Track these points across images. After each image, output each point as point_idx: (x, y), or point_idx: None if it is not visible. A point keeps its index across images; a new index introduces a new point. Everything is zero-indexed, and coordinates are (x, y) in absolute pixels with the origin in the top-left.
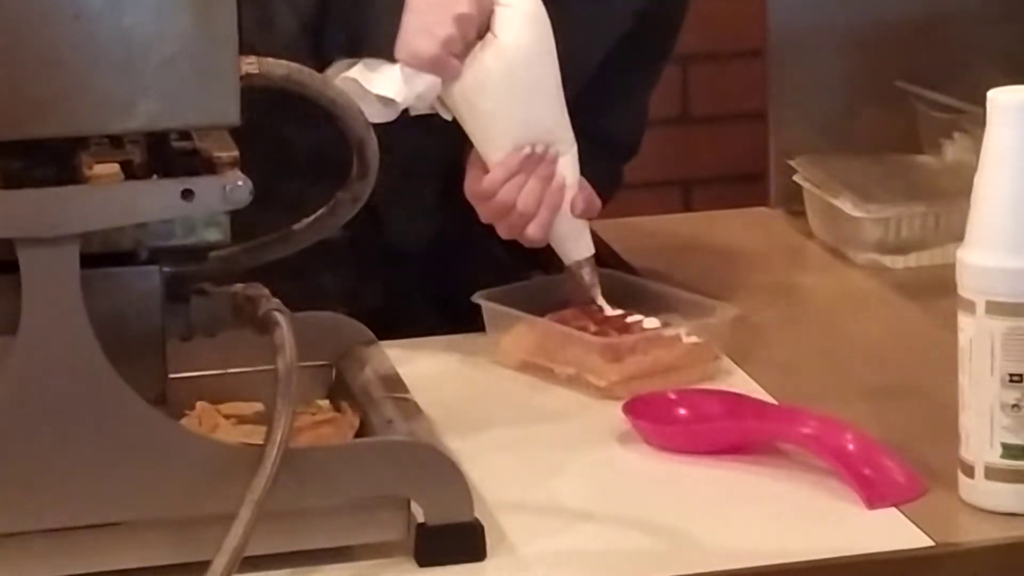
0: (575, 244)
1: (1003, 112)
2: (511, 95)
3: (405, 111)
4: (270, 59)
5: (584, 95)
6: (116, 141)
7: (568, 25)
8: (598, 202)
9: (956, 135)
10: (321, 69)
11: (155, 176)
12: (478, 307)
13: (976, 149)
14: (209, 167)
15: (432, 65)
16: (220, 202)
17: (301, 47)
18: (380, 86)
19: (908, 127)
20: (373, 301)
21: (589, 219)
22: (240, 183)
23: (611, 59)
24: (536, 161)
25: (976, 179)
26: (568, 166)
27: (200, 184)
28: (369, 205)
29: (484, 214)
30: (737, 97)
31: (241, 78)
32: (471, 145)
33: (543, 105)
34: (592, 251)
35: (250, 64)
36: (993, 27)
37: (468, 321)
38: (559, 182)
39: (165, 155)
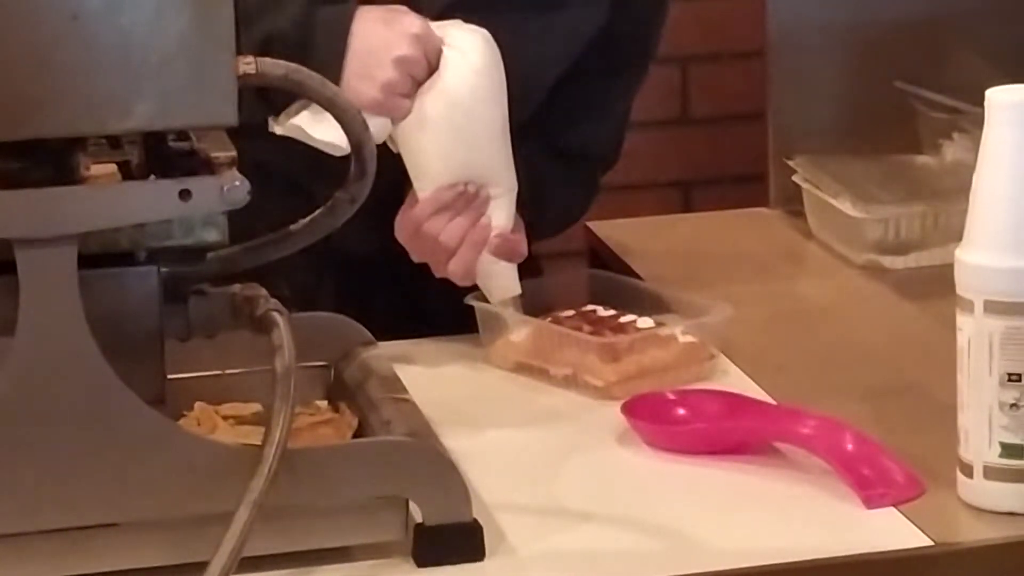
0: (497, 284)
1: (1001, 111)
2: (449, 137)
3: None
4: (267, 59)
5: (553, 107)
6: (114, 141)
7: (524, 40)
8: (521, 248)
9: (955, 135)
10: (270, 113)
11: (153, 177)
12: (439, 313)
13: (975, 149)
14: (207, 167)
15: (374, 109)
16: (218, 202)
17: (244, 94)
18: (325, 132)
19: (907, 127)
20: (326, 306)
21: (512, 262)
22: (238, 183)
23: (579, 70)
24: (467, 199)
25: (974, 178)
26: (500, 208)
27: (197, 184)
28: (314, 210)
29: (413, 251)
30: (737, 98)
31: (239, 78)
32: (408, 183)
33: (482, 149)
34: (517, 291)
35: (247, 64)
36: (992, 27)
37: (430, 325)
38: (484, 222)
39: (163, 155)
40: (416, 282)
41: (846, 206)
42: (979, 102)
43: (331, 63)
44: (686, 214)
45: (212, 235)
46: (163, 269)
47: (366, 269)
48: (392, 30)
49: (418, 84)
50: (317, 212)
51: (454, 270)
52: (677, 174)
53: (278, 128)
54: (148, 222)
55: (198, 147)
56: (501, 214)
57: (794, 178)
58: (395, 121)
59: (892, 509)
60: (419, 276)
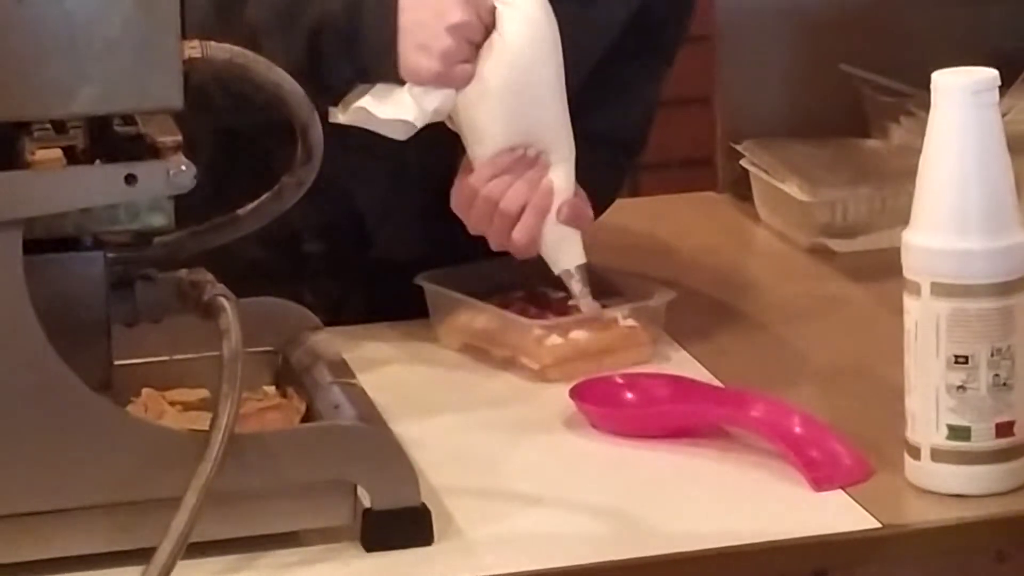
0: (563, 252)
1: (947, 94)
2: (509, 96)
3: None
4: (212, 43)
5: (581, 91)
6: (59, 126)
7: (564, 30)
8: (589, 212)
9: (902, 118)
10: (331, 103)
11: (98, 161)
12: None
13: (922, 132)
14: (153, 152)
15: (437, 80)
16: (164, 187)
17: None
18: (392, 111)
19: (855, 111)
20: (357, 313)
21: (580, 229)
22: (183, 168)
23: (608, 54)
24: (526, 164)
25: (920, 161)
26: (561, 174)
27: (143, 169)
28: (357, 217)
29: (470, 221)
30: (684, 82)
31: (184, 62)
32: (461, 152)
33: (541, 109)
34: (583, 260)
35: (193, 48)
36: (937, 10)
37: None
38: (547, 186)
39: (108, 140)
40: None
41: (793, 190)
42: (926, 85)
43: (384, 42)
44: (634, 198)
45: (158, 220)
46: (109, 254)
47: (404, 275)
48: None
49: (476, 47)
50: (264, 196)
51: (519, 238)
52: None
53: (341, 115)
54: (94, 207)
55: (144, 132)
56: (562, 179)
57: (742, 162)
58: (459, 90)
59: (840, 491)
60: None
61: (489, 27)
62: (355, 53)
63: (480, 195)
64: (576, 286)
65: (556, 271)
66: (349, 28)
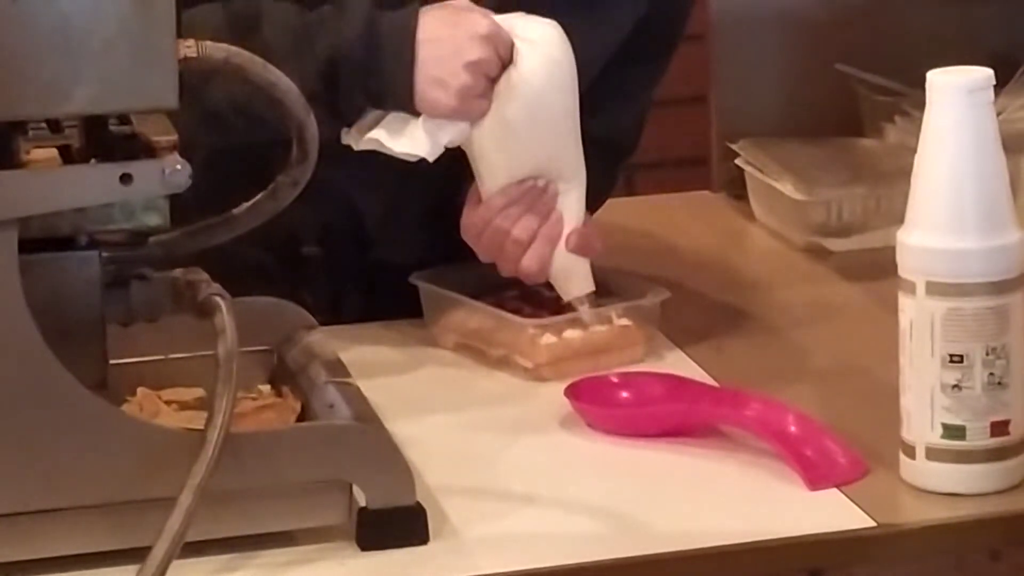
0: (572, 280)
1: (942, 93)
2: (523, 133)
3: None
4: (209, 42)
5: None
6: (54, 126)
7: (573, 38)
8: (597, 242)
9: (897, 118)
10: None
11: (93, 161)
12: None
13: (917, 131)
14: (148, 151)
15: (453, 115)
16: (159, 186)
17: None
18: (406, 145)
19: (850, 110)
20: (355, 314)
21: (588, 258)
22: (179, 167)
23: (607, 61)
24: (536, 194)
25: (916, 160)
26: (571, 203)
27: (139, 168)
28: (357, 219)
29: (481, 248)
30: (679, 81)
31: (180, 61)
32: (468, 174)
33: (554, 143)
34: (591, 288)
35: (189, 48)
36: (933, 9)
37: None
38: (557, 215)
39: (104, 139)
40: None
41: (788, 189)
42: (921, 84)
43: (401, 74)
44: (629, 197)
45: (153, 219)
46: (104, 254)
47: (404, 277)
48: (460, 33)
49: (493, 82)
50: (259, 196)
51: (528, 265)
52: None
53: (353, 142)
54: (89, 206)
55: (139, 131)
56: (572, 208)
57: (737, 161)
58: (474, 123)
59: (835, 490)
60: None
61: (506, 61)
62: (371, 83)
63: (491, 225)
64: (585, 313)
65: (566, 298)
66: (366, 58)
